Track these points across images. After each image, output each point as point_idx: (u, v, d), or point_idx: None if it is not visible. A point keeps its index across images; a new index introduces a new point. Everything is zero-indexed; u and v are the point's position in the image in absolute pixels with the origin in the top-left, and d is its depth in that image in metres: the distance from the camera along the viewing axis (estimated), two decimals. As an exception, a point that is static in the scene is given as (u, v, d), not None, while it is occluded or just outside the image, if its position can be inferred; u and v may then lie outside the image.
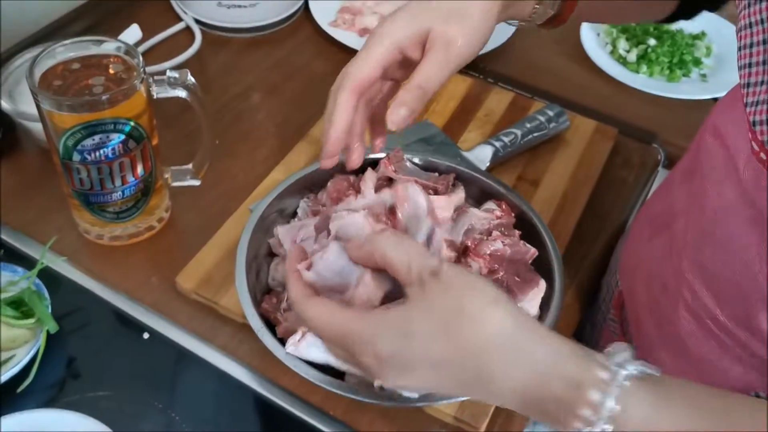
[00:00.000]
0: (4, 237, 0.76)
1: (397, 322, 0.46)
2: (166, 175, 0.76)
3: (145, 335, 0.69)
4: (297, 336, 0.57)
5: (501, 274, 0.61)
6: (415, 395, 0.56)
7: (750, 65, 0.47)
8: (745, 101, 0.48)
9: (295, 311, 0.52)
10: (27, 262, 0.71)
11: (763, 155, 0.47)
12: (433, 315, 0.45)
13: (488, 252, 0.62)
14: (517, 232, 0.67)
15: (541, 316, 0.62)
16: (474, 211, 0.67)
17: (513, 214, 0.69)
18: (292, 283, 0.52)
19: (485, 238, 0.64)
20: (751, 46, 0.47)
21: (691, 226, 0.60)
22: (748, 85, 0.47)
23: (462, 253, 0.63)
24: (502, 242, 0.63)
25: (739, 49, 0.49)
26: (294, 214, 0.72)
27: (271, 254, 0.69)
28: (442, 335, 0.44)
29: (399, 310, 0.46)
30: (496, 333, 0.44)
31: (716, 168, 0.57)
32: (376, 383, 0.48)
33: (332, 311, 0.48)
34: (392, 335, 0.45)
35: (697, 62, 1.03)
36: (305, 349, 0.57)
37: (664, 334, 0.62)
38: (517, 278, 0.62)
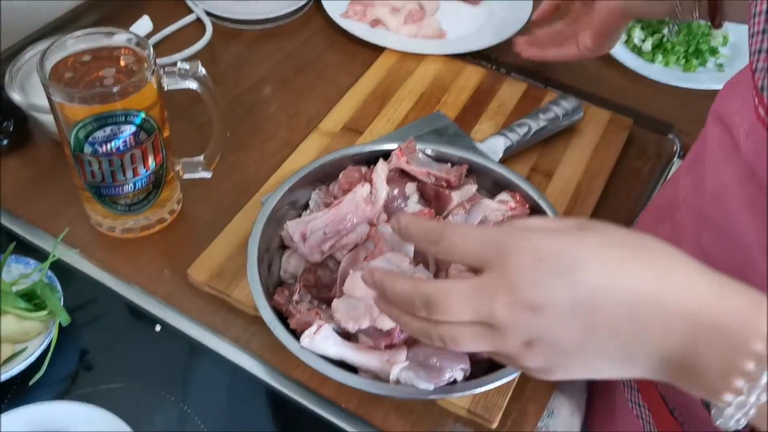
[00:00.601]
0: (16, 229, 0.76)
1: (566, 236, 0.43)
2: (178, 167, 0.76)
3: (157, 328, 0.68)
4: (312, 329, 0.57)
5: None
6: (431, 386, 0.56)
7: (764, 32, 0.47)
8: (754, 67, 0.47)
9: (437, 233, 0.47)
10: (39, 254, 0.71)
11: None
12: (610, 237, 0.43)
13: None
14: (531, 224, 0.66)
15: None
16: (487, 202, 0.67)
17: (527, 206, 0.68)
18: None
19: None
20: (767, 12, 0.47)
21: (691, 211, 0.59)
22: (760, 51, 0.47)
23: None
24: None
25: (753, 15, 0.48)
26: (306, 206, 0.72)
27: (284, 246, 0.69)
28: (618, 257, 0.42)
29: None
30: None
31: (715, 150, 0.56)
32: (517, 297, 0.42)
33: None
34: (555, 237, 0.42)
35: (714, 51, 1.02)
36: (320, 342, 0.57)
37: None
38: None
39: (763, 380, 0.39)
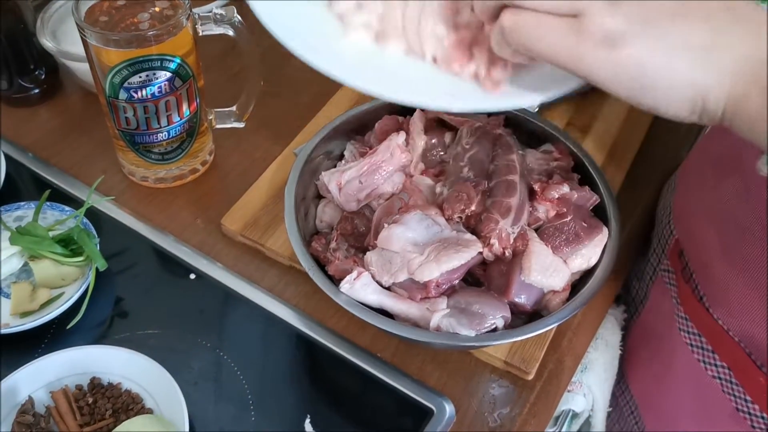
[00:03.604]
0: (50, 178, 0.76)
1: None
2: (210, 117, 0.75)
3: (192, 276, 0.68)
4: (352, 276, 0.56)
5: (569, 218, 0.60)
6: (472, 333, 0.55)
7: None
8: None
9: None
10: (73, 203, 0.71)
11: None
12: None
13: (556, 196, 0.60)
14: (576, 176, 0.65)
15: (597, 264, 0.61)
16: (530, 151, 0.66)
17: (571, 157, 0.67)
18: None
19: (548, 181, 0.63)
20: None
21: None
22: None
23: (528, 197, 0.61)
24: (569, 186, 0.61)
25: None
26: (341, 157, 0.71)
27: (319, 196, 0.68)
28: None
29: None
30: None
31: None
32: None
33: None
34: None
35: (755, 7, 0.99)
36: (360, 289, 0.57)
37: (744, 278, 0.60)
38: (584, 223, 0.60)
39: None
